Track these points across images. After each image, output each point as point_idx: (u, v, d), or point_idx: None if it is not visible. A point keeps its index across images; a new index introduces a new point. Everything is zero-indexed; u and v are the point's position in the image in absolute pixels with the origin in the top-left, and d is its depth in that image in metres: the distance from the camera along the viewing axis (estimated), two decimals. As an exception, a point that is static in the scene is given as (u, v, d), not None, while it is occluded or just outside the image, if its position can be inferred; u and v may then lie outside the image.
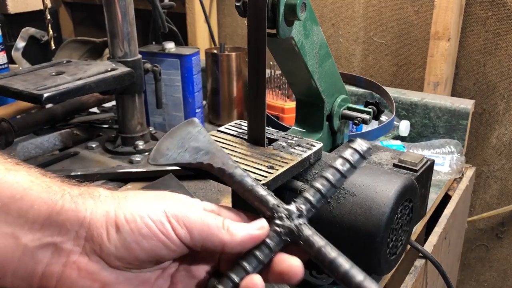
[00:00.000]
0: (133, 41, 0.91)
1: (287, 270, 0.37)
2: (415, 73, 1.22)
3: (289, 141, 0.60)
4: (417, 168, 0.66)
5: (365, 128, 0.92)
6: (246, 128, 0.59)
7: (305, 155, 0.55)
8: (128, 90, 0.92)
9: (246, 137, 0.57)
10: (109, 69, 0.87)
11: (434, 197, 0.86)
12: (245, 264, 0.37)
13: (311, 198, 0.39)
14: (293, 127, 0.74)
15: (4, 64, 1.16)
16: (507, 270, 1.24)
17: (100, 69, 0.86)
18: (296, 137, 0.60)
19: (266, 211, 0.38)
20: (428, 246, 0.77)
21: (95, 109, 1.15)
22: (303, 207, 0.39)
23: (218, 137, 0.59)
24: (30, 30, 1.22)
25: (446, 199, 0.93)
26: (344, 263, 0.38)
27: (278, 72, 1.12)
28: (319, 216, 0.57)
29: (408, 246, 0.67)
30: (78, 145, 0.98)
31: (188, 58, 1.04)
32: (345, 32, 1.28)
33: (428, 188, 0.72)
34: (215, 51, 1.14)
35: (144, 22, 1.39)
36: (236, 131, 0.60)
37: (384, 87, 1.04)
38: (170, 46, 1.06)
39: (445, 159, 0.94)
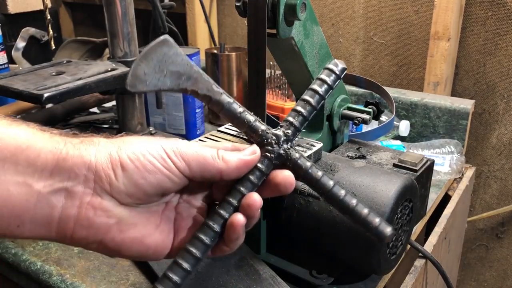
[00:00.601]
0: (133, 41, 0.91)
1: (283, 181, 0.40)
2: (415, 73, 1.22)
3: (289, 141, 0.60)
4: (417, 168, 0.66)
5: (365, 128, 0.92)
6: (246, 128, 0.59)
7: (305, 155, 0.56)
8: (128, 90, 0.92)
9: (246, 137, 0.57)
10: (109, 69, 0.87)
11: (434, 197, 0.86)
12: (241, 188, 0.39)
13: (294, 121, 0.41)
14: (293, 127, 0.74)
15: (4, 64, 1.16)
16: (507, 270, 1.24)
17: (100, 69, 0.86)
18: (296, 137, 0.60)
19: (256, 137, 0.40)
20: (428, 246, 0.77)
21: (95, 109, 1.15)
22: (289, 131, 0.41)
23: (218, 137, 0.59)
24: (30, 30, 1.22)
25: (446, 199, 0.93)
26: (328, 181, 0.40)
27: (278, 72, 1.12)
28: (319, 216, 0.57)
29: (408, 246, 0.67)
30: (78, 145, 0.98)
31: (188, 58, 1.04)
32: (345, 32, 1.28)
33: (428, 188, 0.72)
34: (215, 51, 1.14)
35: (144, 22, 1.39)
36: (236, 131, 0.60)
37: (384, 87, 1.04)
38: (170, 46, 1.06)
39: (445, 159, 0.94)
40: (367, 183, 0.56)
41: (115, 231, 0.37)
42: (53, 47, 1.12)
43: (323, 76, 0.42)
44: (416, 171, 0.65)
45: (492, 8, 1.07)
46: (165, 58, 0.38)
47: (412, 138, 1.07)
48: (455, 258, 1.11)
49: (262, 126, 0.40)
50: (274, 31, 0.59)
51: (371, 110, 0.73)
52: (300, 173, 0.40)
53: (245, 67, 1.13)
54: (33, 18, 1.32)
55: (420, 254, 0.72)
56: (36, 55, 1.22)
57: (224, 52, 1.14)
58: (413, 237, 0.75)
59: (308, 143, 0.59)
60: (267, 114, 0.64)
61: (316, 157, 0.60)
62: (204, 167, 0.38)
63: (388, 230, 0.39)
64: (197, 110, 1.08)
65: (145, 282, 0.62)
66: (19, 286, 0.70)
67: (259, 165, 0.40)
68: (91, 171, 0.36)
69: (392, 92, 1.06)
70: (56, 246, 0.70)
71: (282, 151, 0.40)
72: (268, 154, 0.40)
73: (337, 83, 0.42)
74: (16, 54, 1.18)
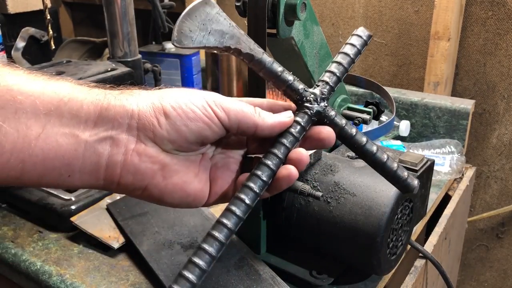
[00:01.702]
0: (133, 41, 0.91)
1: (327, 136, 0.42)
2: (415, 73, 1.22)
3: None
4: (417, 168, 0.66)
5: (365, 128, 0.92)
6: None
7: (310, 151, 0.55)
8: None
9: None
10: (109, 69, 0.87)
11: (434, 197, 0.86)
12: (284, 140, 0.41)
13: (329, 81, 0.43)
14: (293, 127, 0.74)
15: (4, 64, 1.15)
16: (507, 270, 1.24)
17: (100, 69, 0.86)
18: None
19: (295, 96, 0.42)
20: (428, 246, 0.77)
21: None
22: (325, 90, 0.43)
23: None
24: (30, 30, 1.22)
25: (446, 199, 0.93)
26: (362, 137, 0.43)
27: (278, 72, 1.12)
28: (319, 216, 0.57)
29: (408, 246, 0.67)
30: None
31: (188, 58, 1.04)
32: (345, 32, 1.28)
33: (428, 188, 0.72)
34: (215, 51, 1.14)
35: (144, 22, 1.39)
36: None
37: (384, 87, 1.04)
38: (170, 46, 1.06)
39: (445, 159, 0.94)
40: (368, 183, 0.56)
41: (159, 177, 0.39)
42: (53, 47, 1.12)
43: (353, 41, 0.44)
44: (416, 171, 0.65)
45: (493, 8, 1.07)
46: (208, 17, 0.39)
47: (412, 138, 1.07)
48: (455, 258, 1.11)
49: (301, 85, 0.42)
50: (274, 31, 0.59)
51: (371, 110, 0.72)
52: (336, 130, 0.42)
53: (245, 67, 1.13)
54: (33, 18, 1.32)
55: (420, 254, 0.72)
56: (35, 55, 1.22)
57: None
58: (413, 237, 0.75)
59: (308, 143, 0.59)
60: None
61: (316, 157, 0.60)
62: (242, 119, 0.39)
63: (415, 182, 0.43)
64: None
65: (145, 282, 0.62)
66: (19, 286, 0.70)
67: (299, 119, 0.42)
68: (134, 119, 0.37)
69: (392, 92, 1.06)
70: (56, 246, 0.70)
71: (320, 109, 0.42)
72: (308, 111, 0.42)
73: (364, 48, 0.44)
74: (16, 54, 1.18)
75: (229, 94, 1.14)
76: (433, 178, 0.72)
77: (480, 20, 1.10)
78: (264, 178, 0.40)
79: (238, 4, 0.59)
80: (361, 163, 0.61)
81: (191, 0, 1.41)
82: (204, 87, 1.18)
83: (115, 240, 0.67)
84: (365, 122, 0.71)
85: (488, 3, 1.07)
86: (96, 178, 0.38)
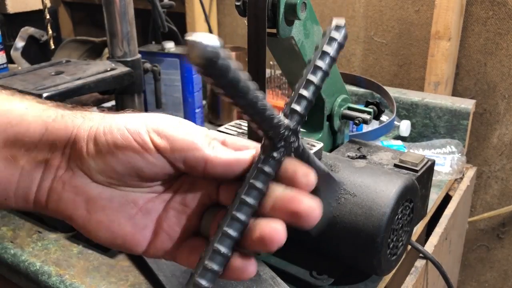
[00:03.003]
0: (132, 40, 0.91)
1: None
2: (415, 73, 1.21)
3: (289, 141, 0.59)
4: (417, 168, 0.65)
5: (365, 128, 0.92)
6: (246, 128, 0.59)
7: (305, 155, 0.55)
8: (127, 90, 0.91)
9: (246, 137, 0.57)
10: (109, 69, 0.86)
11: (434, 197, 0.85)
12: (256, 182, 0.34)
13: (298, 108, 0.37)
14: (293, 127, 0.73)
15: (3, 64, 1.15)
16: (508, 270, 1.24)
17: (99, 69, 0.86)
18: (296, 137, 0.60)
19: (264, 130, 0.35)
20: (429, 247, 0.77)
21: (94, 109, 1.14)
22: (295, 120, 0.36)
23: (218, 137, 0.59)
24: (30, 30, 1.21)
25: (446, 199, 0.93)
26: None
27: (278, 72, 1.12)
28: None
29: (409, 247, 0.67)
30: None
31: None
32: (345, 31, 1.28)
33: (428, 188, 0.71)
34: (215, 51, 1.14)
35: (144, 21, 1.39)
36: (236, 131, 0.60)
37: (385, 87, 1.04)
38: (169, 45, 1.06)
39: (446, 159, 0.94)
40: (368, 183, 0.56)
41: (82, 210, 0.35)
42: (52, 46, 1.12)
43: (325, 48, 0.37)
44: (416, 171, 0.65)
45: (493, 8, 1.07)
46: None
47: (413, 138, 1.06)
48: (456, 258, 1.11)
49: (274, 119, 0.35)
50: (274, 31, 0.59)
51: (371, 110, 0.72)
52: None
53: (245, 67, 1.13)
54: (33, 17, 1.32)
55: (421, 255, 0.72)
56: (35, 55, 1.22)
57: (224, 51, 1.14)
58: (414, 237, 0.75)
59: (308, 143, 0.59)
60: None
61: (316, 157, 0.59)
62: (189, 151, 0.34)
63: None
64: (197, 110, 1.08)
65: (144, 282, 0.62)
66: (18, 286, 0.70)
67: (262, 166, 0.35)
68: (69, 143, 0.35)
69: (393, 92, 1.06)
70: (55, 247, 0.69)
71: (295, 143, 0.36)
72: (276, 148, 0.35)
73: (339, 51, 0.38)
74: (15, 54, 1.18)
75: (229, 94, 1.14)
76: (433, 178, 0.72)
77: (480, 20, 1.09)
78: (234, 234, 0.33)
79: (238, 4, 0.59)
80: (361, 163, 0.61)
81: (191, 0, 1.41)
82: (204, 87, 1.17)
83: (115, 240, 0.67)
84: (366, 122, 0.71)
85: (489, 3, 1.07)
86: (27, 202, 0.36)
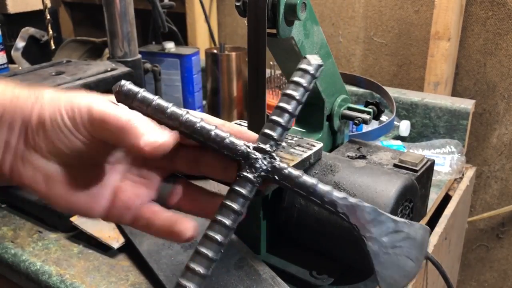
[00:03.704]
0: (132, 41, 0.91)
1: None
2: (415, 73, 1.22)
3: (289, 141, 0.59)
4: (417, 168, 0.65)
5: (365, 128, 0.92)
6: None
7: (305, 155, 0.55)
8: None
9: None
10: (109, 69, 0.87)
11: (434, 197, 0.86)
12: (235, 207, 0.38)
13: (273, 134, 0.39)
14: (293, 127, 0.74)
15: (3, 64, 1.15)
16: (508, 270, 1.24)
17: (100, 69, 0.86)
18: (296, 137, 0.60)
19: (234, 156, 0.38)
20: (428, 246, 0.77)
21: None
22: (269, 147, 0.39)
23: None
24: (30, 30, 1.22)
25: (446, 199, 0.93)
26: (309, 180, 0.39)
27: (278, 72, 1.12)
28: (319, 216, 0.57)
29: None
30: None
31: (188, 58, 1.04)
32: (345, 32, 1.28)
33: (428, 188, 0.71)
34: (215, 51, 1.14)
35: (144, 22, 1.39)
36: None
37: (384, 87, 1.04)
38: (170, 46, 1.06)
39: (446, 159, 0.94)
40: (368, 183, 0.56)
41: (42, 184, 0.37)
42: (53, 47, 1.12)
43: (296, 78, 0.40)
44: (416, 171, 0.65)
45: (493, 8, 1.07)
46: None
47: (413, 138, 1.06)
48: (456, 258, 1.11)
49: (242, 146, 0.38)
50: (274, 31, 0.59)
51: (371, 110, 0.72)
52: (291, 182, 0.39)
53: (245, 67, 1.13)
54: (33, 18, 1.32)
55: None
56: (35, 55, 1.22)
57: (224, 52, 1.14)
58: (414, 237, 0.75)
59: (308, 143, 0.59)
60: (267, 114, 0.64)
61: (316, 157, 0.60)
62: (112, 128, 0.35)
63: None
64: (197, 110, 1.08)
65: (144, 282, 0.62)
66: (19, 286, 0.70)
67: (242, 190, 0.38)
68: (24, 124, 0.36)
69: (393, 92, 1.06)
70: (55, 247, 0.69)
71: (269, 166, 0.39)
72: (251, 175, 0.38)
73: (312, 83, 0.40)
74: (16, 54, 1.18)
75: (229, 94, 1.14)
76: (433, 178, 0.72)
77: (480, 20, 1.09)
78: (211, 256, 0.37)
79: (238, 4, 0.59)
80: (361, 163, 0.61)
81: (191, 0, 1.41)
82: (204, 87, 1.17)
83: (115, 240, 0.67)
84: (365, 122, 0.71)
85: (488, 3, 1.07)
86: None
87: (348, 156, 0.69)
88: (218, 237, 0.37)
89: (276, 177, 0.38)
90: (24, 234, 0.73)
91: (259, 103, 0.55)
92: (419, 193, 0.61)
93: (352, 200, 0.39)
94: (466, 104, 1.01)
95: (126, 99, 0.38)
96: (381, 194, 0.55)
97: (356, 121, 0.72)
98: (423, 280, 0.76)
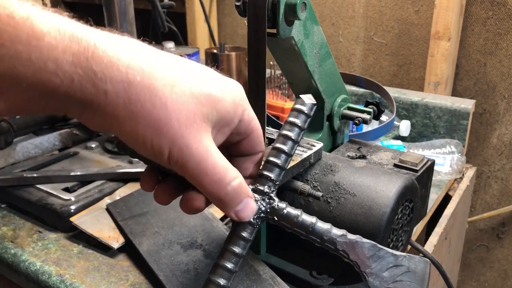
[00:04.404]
0: (132, 41, 0.91)
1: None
2: (415, 73, 1.22)
3: (289, 141, 0.59)
4: (417, 168, 0.65)
5: (365, 128, 0.92)
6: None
7: (305, 155, 0.55)
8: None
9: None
10: (109, 69, 0.86)
11: (434, 197, 0.86)
12: (235, 249, 0.41)
13: (271, 175, 0.41)
14: (293, 127, 0.73)
15: (3, 64, 1.15)
16: (508, 270, 1.24)
17: (99, 69, 0.86)
18: (296, 137, 0.60)
19: None
20: (429, 247, 0.77)
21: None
22: (269, 188, 0.41)
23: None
24: (30, 30, 1.21)
25: (446, 199, 0.93)
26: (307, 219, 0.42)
27: (278, 72, 1.12)
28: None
29: (409, 247, 0.67)
30: (78, 145, 0.98)
31: (188, 57, 1.04)
32: (345, 32, 1.28)
33: (428, 188, 0.71)
34: (215, 51, 1.14)
35: (144, 22, 1.39)
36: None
37: (385, 87, 1.04)
38: (169, 45, 1.06)
39: (446, 159, 0.94)
40: (368, 183, 0.56)
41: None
42: (53, 47, 1.11)
43: (291, 119, 0.42)
44: (416, 171, 0.65)
45: (493, 8, 1.07)
46: None
47: (413, 138, 1.06)
48: (456, 258, 1.11)
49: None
50: (274, 31, 0.59)
51: (371, 110, 0.72)
52: (290, 222, 0.42)
53: (245, 67, 1.13)
54: (33, 18, 1.32)
55: (421, 255, 0.72)
56: (35, 55, 1.21)
57: (224, 51, 1.14)
58: (414, 237, 0.75)
59: (308, 143, 0.59)
60: (267, 114, 0.64)
61: (316, 157, 0.59)
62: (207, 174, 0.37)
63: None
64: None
65: (144, 282, 0.62)
66: (19, 286, 0.70)
67: (243, 233, 0.41)
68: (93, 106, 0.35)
69: (393, 92, 1.06)
70: (55, 247, 0.69)
71: (268, 209, 0.41)
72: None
73: (308, 122, 0.42)
74: (16, 54, 1.18)
75: (229, 94, 1.14)
76: (433, 178, 0.72)
77: (480, 20, 1.09)
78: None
79: (238, 4, 0.59)
80: (361, 163, 0.61)
81: (191, 0, 1.41)
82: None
83: (115, 240, 0.67)
84: (365, 122, 0.71)
85: (489, 3, 1.07)
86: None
87: (348, 156, 0.69)
88: (221, 281, 0.39)
89: (276, 218, 0.40)
90: (24, 234, 0.73)
91: (259, 103, 0.54)
92: (419, 193, 0.60)
93: (351, 236, 0.40)
94: (466, 104, 1.01)
95: None
96: (381, 194, 0.55)
97: (356, 121, 0.72)
98: (423, 280, 0.76)
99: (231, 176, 0.38)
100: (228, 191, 0.38)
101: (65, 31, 0.32)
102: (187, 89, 0.36)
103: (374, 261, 0.40)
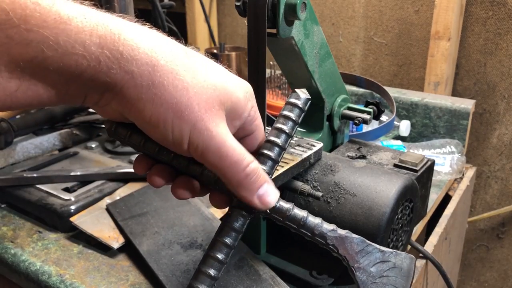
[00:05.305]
0: (132, 41, 0.91)
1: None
2: (415, 73, 1.22)
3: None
4: (417, 168, 0.65)
5: (365, 128, 0.92)
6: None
7: (305, 155, 0.55)
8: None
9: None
10: (109, 69, 0.86)
11: (434, 197, 0.86)
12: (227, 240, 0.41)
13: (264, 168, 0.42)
14: (293, 127, 0.73)
15: (3, 64, 1.15)
16: (508, 270, 1.24)
17: (99, 69, 0.86)
18: (296, 137, 0.60)
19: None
20: (429, 247, 0.77)
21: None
22: None
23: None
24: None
25: (446, 199, 0.93)
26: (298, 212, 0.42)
27: (278, 72, 1.12)
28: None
29: (409, 247, 0.67)
30: (78, 145, 0.98)
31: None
32: (345, 32, 1.28)
33: (428, 188, 0.71)
34: (215, 51, 1.14)
35: (144, 21, 1.39)
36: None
37: (385, 87, 1.04)
38: (170, 46, 1.06)
39: (446, 159, 0.94)
40: (368, 183, 0.56)
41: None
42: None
43: (285, 112, 0.42)
44: (416, 171, 0.65)
45: (493, 8, 1.07)
46: None
47: (413, 138, 1.06)
48: (456, 258, 1.11)
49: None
50: (274, 31, 0.59)
51: (371, 110, 0.72)
52: (282, 216, 0.42)
53: (245, 67, 1.13)
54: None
55: (421, 255, 0.72)
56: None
57: (224, 51, 1.14)
58: (414, 237, 0.75)
59: (308, 143, 0.59)
60: (267, 114, 0.63)
61: (316, 157, 0.59)
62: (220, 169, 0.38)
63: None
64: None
65: (144, 282, 0.62)
66: (19, 286, 0.70)
67: (234, 224, 0.41)
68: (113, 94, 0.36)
69: (393, 92, 1.06)
70: (55, 247, 0.69)
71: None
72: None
73: (302, 116, 0.42)
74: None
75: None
76: (433, 178, 0.72)
77: (480, 20, 1.09)
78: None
79: (238, 4, 0.59)
80: (361, 163, 0.61)
81: (191, 0, 1.41)
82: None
83: (115, 240, 0.67)
84: (365, 122, 0.71)
85: (489, 3, 1.07)
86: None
87: (348, 156, 0.69)
88: (212, 272, 0.40)
89: (268, 211, 0.41)
90: (24, 234, 0.73)
91: (259, 103, 0.54)
92: (419, 193, 0.61)
93: (341, 232, 0.41)
94: (466, 104, 1.01)
95: None
96: (381, 194, 0.55)
97: (356, 121, 0.72)
98: (423, 280, 0.76)
99: (250, 159, 0.39)
100: (248, 172, 0.38)
101: (91, 17, 0.34)
102: (206, 77, 0.37)
103: (362, 256, 0.41)
